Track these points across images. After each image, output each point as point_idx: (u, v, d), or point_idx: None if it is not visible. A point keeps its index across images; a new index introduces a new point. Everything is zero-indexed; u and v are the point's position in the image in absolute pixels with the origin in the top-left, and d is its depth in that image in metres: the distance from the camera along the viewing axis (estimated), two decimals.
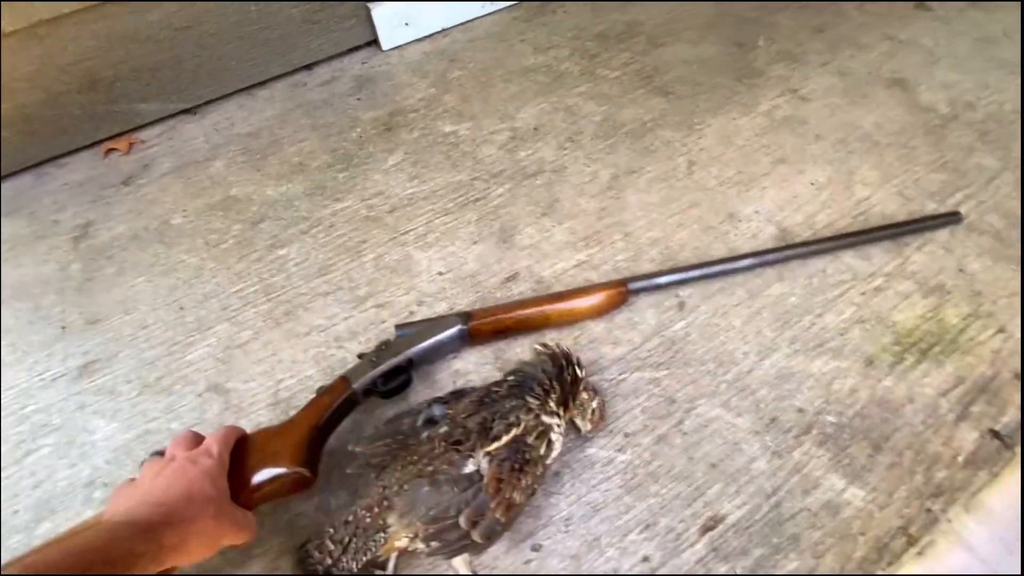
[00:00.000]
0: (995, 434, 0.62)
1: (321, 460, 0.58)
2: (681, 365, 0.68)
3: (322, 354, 0.71)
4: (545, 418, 0.56)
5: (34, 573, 0.41)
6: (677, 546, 0.56)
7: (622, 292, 0.71)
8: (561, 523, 0.58)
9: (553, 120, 0.96)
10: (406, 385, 0.65)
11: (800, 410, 0.64)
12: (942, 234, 0.77)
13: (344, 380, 0.62)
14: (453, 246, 0.81)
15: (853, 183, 0.84)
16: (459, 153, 0.92)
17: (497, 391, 0.57)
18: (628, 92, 0.99)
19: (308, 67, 1.08)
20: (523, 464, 0.53)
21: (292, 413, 0.66)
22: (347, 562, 0.51)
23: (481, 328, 0.68)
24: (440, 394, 0.61)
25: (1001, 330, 0.69)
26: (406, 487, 0.52)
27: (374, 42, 1.10)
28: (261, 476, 0.55)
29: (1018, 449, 0.62)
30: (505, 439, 0.53)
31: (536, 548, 0.57)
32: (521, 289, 0.76)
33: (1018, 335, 0.68)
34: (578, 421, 0.61)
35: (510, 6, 1.16)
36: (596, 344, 0.70)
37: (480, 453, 0.53)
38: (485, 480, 0.52)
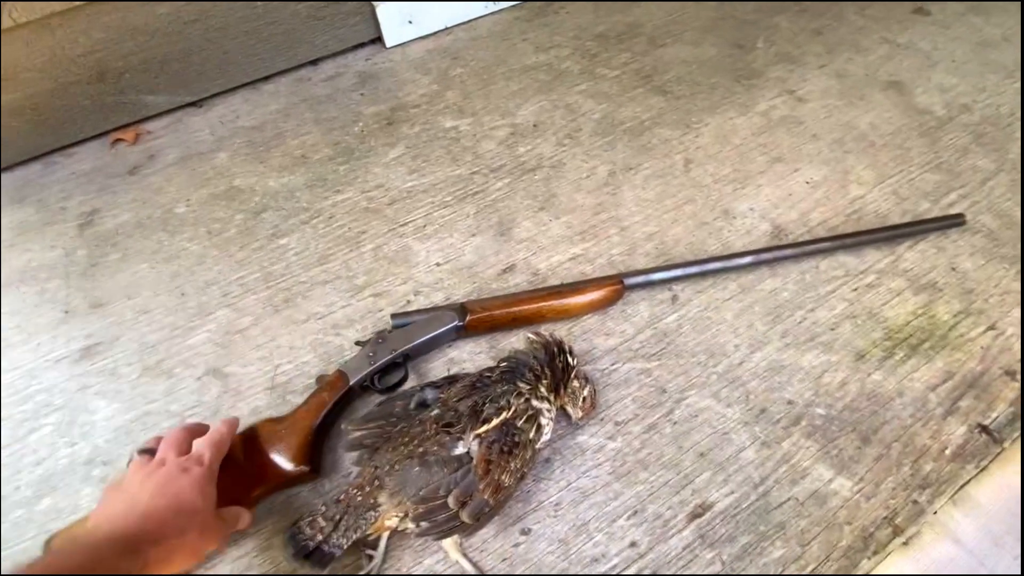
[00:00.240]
0: (983, 429, 0.63)
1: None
2: (673, 356, 0.69)
3: (319, 341, 0.72)
4: (535, 403, 0.57)
5: None
6: (665, 532, 0.57)
7: (619, 289, 0.71)
8: (550, 508, 0.59)
9: (553, 117, 0.97)
10: (402, 382, 0.66)
11: (790, 402, 0.65)
12: (934, 232, 0.78)
13: (342, 375, 0.64)
14: (451, 238, 0.82)
15: (848, 182, 0.85)
16: (459, 148, 0.94)
17: (489, 376, 0.58)
18: (627, 91, 1.00)
19: (313, 63, 1.09)
20: (512, 447, 0.54)
21: (289, 398, 0.67)
22: (338, 539, 0.52)
23: (477, 323, 0.69)
24: (434, 379, 0.62)
25: (991, 327, 0.69)
26: (397, 467, 0.53)
27: (378, 39, 1.11)
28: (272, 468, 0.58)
29: (1008, 444, 0.62)
30: (495, 422, 0.54)
31: (525, 532, 0.58)
32: (517, 281, 0.77)
33: (1008, 332, 0.69)
34: (569, 409, 0.61)
35: (513, 6, 1.18)
36: (589, 335, 0.71)
37: (470, 435, 0.54)
38: (474, 461, 0.53)
